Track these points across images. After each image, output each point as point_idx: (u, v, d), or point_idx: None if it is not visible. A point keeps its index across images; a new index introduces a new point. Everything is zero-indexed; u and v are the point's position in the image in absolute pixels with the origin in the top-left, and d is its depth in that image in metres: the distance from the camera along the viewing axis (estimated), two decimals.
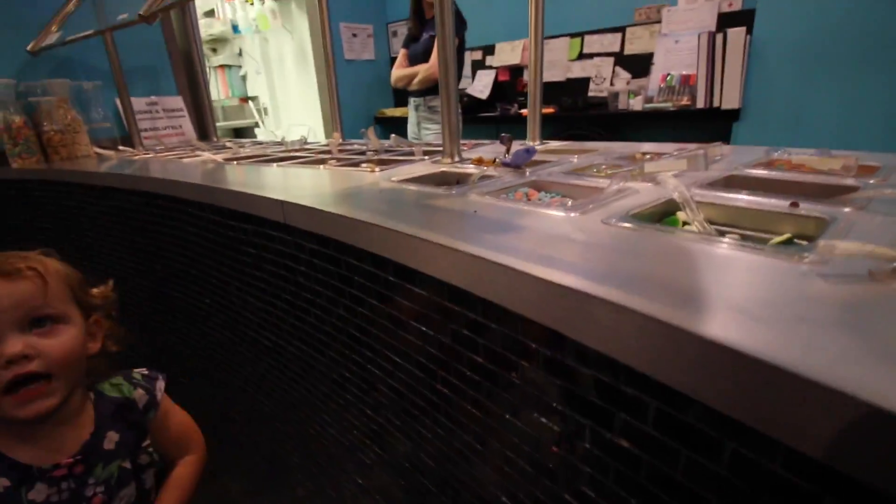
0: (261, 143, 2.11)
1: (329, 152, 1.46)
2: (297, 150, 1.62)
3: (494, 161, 1.05)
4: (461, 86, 3.48)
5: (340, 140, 1.84)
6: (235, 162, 1.38)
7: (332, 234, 0.68)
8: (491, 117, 3.24)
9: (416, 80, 2.40)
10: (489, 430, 0.55)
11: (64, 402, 0.53)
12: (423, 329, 0.58)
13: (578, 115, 2.85)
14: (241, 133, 4.84)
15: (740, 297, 0.35)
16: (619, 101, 2.69)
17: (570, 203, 0.65)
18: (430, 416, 0.63)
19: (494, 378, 0.51)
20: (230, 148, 1.81)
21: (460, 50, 2.39)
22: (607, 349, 0.35)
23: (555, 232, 0.53)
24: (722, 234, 0.60)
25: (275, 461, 1.21)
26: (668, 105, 2.45)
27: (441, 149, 1.12)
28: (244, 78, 4.94)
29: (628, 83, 2.71)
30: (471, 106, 3.34)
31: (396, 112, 3.87)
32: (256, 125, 4.80)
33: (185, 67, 2.54)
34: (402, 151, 1.39)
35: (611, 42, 2.81)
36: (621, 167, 0.89)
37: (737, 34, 2.18)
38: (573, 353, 0.41)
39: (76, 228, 1.61)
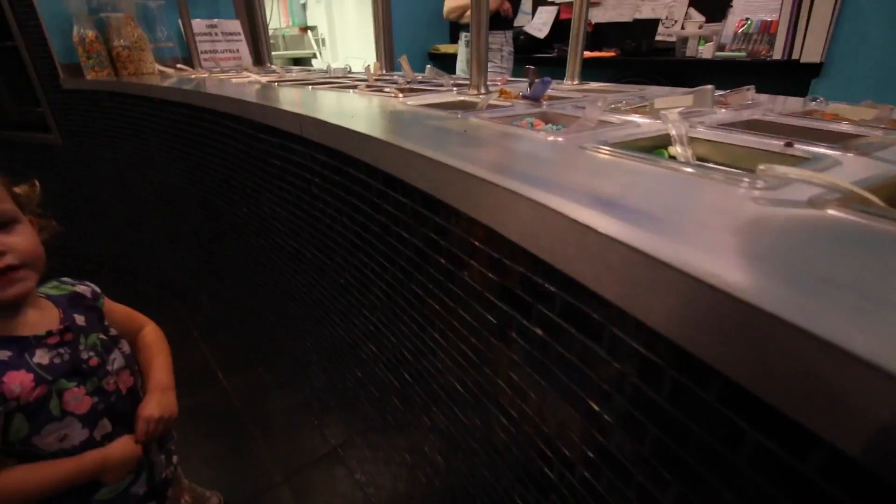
0: (308, 70, 2.15)
1: (366, 80, 1.49)
2: (338, 77, 1.65)
3: (519, 95, 1.04)
4: (519, 23, 3.31)
5: (381, 71, 1.85)
6: (277, 84, 1.45)
7: (337, 145, 0.73)
8: (548, 58, 3.09)
9: (469, 13, 2.34)
10: (448, 325, 0.60)
11: (35, 288, 0.60)
12: (404, 234, 0.63)
13: (642, 59, 2.66)
14: (299, 63, 4.89)
15: (661, 207, 0.37)
16: (687, 46, 2.47)
17: (562, 129, 0.66)
18: (408, 314, 0.70)
19: (453, 277, 0.56)
20: (277, 72, 1.88)
21: None
22: (528, 244, 0.39)
23: (524, 150, 0.55)
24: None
25: (297, 357, 1.36)
26: (743, 54, 2.24)
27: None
28: (304, 6, 4.93)
29: (701, 27, 2.47)
30: (528, 45, 3.19)
31: (451, 49, 3.76)
32: (314, 56, 4.82)
33: None
34: (435, 83, 1.39)
35: None
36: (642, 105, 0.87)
37: None
38: (507, 249, 0.45)
39: (139, 138, 1.76)
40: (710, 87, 0.65)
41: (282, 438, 1.33)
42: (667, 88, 1.28)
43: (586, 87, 1.32)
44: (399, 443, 0.94)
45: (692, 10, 2.54)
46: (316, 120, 0.78)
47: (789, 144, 0.55)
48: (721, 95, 0.94)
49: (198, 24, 2.30)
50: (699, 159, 0.63)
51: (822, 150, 0.54)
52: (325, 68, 2.15)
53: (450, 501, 0.78)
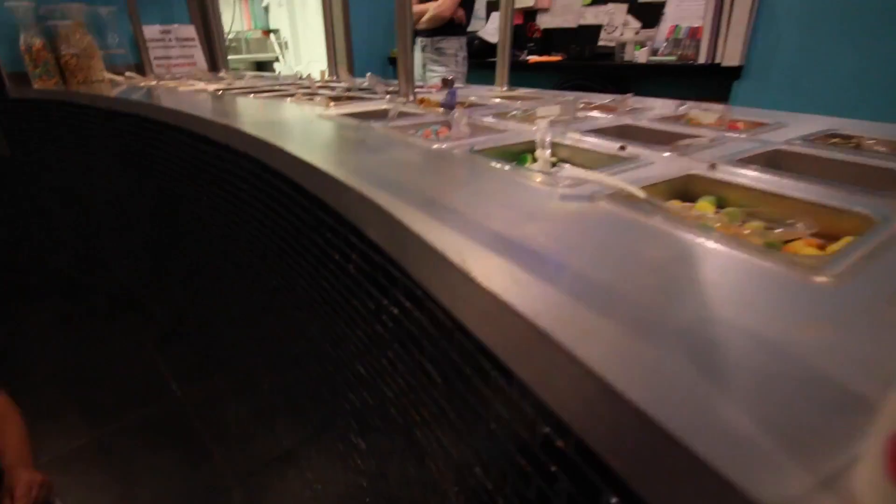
0: (261, 76, 2.21)
1: (309, 87, 1.56)
2: (285, 84, 1.72)
3: (438, 103, 1.14)
4: (473, 28, 3.41)
5: (334, 77, 1.92)
6: (221, 92, 1.51)
7: (256, 153, 0.81)
8: None
9: (424, 18, 2.42)
10: (344, 315, 0.69)
11: None
12: (314, 236, 0.72)
13: (586, 64, 2.80)
14: (263, 67, 4.90)
15: (472, 199, 0.46)
16: (625, 52, 2.63)
17: (446, 136, 0.75)
18: (337, 316, 0.79)
19: (327, 259, 0.65)
20: (226, 80, 1.93)
21: None
22: (354, 219, 0.48)
23: (399, 156, 0.65)
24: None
25: (249, 363, 1.42)
26: (673, 58, 2.39)
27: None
28: (266, 9, 4.94)
29: (637, 33, 2.63)
30: (481, 49, 3.30)
31: None
32: (277, 59, 4.84)
33: None
34: (371, 91, 1.48)
35: None
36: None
37: None
38: (350, 228, 0.54)
39: (87, 147, 1.79)
40: (572, 97, 0.76)
41: (235, 444, 1.37)
42: (589, 94, 1.39)
43: (513, 93, 1.43)
44: (342, 445, 1.01)
45: (630, 17, 2.69)
46: (237, 130, 0.86)
47: (623, 148, 0.66)
48: (610, 101, 1.06)
49: (151, 31, 2.32)
50: (561, 160, 0.74)
51: (647, 152, 0.65)
52: (276, 74, 2.22)
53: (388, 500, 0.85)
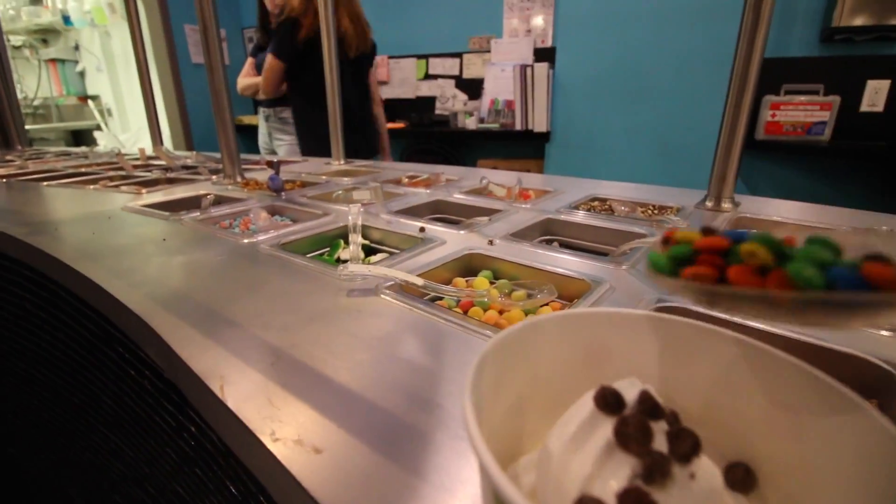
0: (67, 154, 1.96)
1: (121, 168, 1.43)
2: (96, 165, 1.55)
3: (265, 185, 1.13)
4: None
5: (149, 154, 1.79)
6: (5, 180, 1.30)
7: (26, 258, 0.72)
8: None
9: (261, 91, 2.43)
10: (152, 432, 0.63)
11: None
12: (68, 331, 0.65)
13: (427, 130, 3.06)
14: (80, 136, 4.36)
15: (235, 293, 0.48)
16: (458, 120, 2.94)
17: (259, 227, 0.76)
18: (131, 424, 0.70)
19: (125, 375, 0.60)
20: (16, 162, 1.67)
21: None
22: (136, 338, 0.46)
23: (194, 257, 0.63)
24: (373, 251, 0.75)
25: (55, 489, 1.16)
26: (496, 126, 2.75)
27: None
28: (82, 74, 4.45)
29: (465, 104, 2.98)
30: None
31: (255, 120, 3.78)
32: (98, 127, 4.35)
33: None
34: (195, 171, 1.42)
35: (451, 66, 3.06)
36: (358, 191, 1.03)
37: (542, 68, 2.53)
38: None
39: None
40: (378, 185, 0.83)
41: None
42: (414, 165, 1.51)
43: (348, 167, 1.49)
44: None
45: (458, 91, 3.04)
46: (8, 235, 0.75)
47: (422, 230, 0.74)
48: (429, 176, 1.17)
49: None
50: (375, 242, 0.79)
51: (444, 230, 0.73)
52: (87, 151, 1.99)
53: None
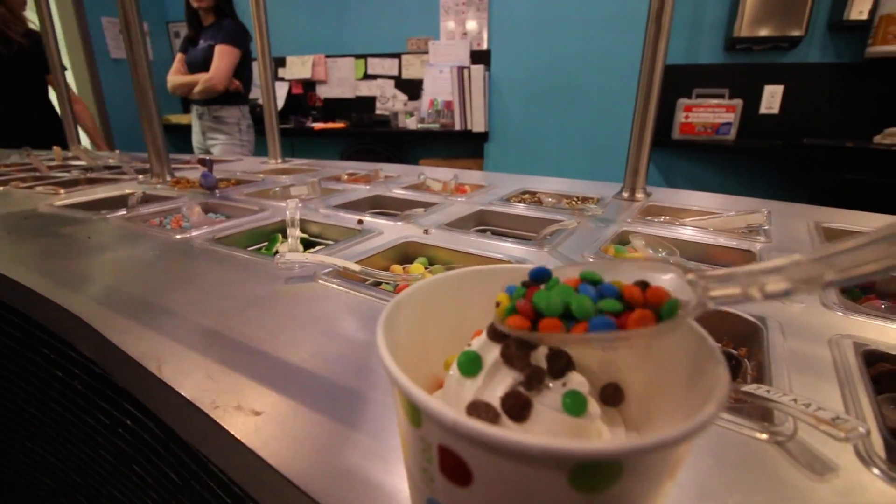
0: None
1: (35, 169, 1.34)
2: (2, 166, 1.43)
3: (198, 183, 1.10)
4: (254, 96, 3.40)
5: (68, 154, 1.67)
6: None
7: None
8: (285, 129, 3.25)
9: (196, 90, 2.31)
10: (82, 435, 0.61)
11: None
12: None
13: (366, 130, 3.05)
14: None
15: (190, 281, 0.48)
16: (398, 120, 2.96)
17: (193, 223, 0.75)
18: (58, 431, 0.67)
19: (52, 378, 0.58)
20: None
21: (245, 61, 2.38)
22: (64, 334, 0.46)
23: (121, 254, 0.62)
24: (312, 245, 0.77)
25: None
26: (436, 126, 2.80)
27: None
28: None
29: (405, 104, 3.01)
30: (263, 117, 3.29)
31: (183, 119, 3.59)
32: None
33: None
34: (119, 170, 1.35)
35: (390, 66, 3.08)
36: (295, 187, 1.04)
37: (478, 70, 2.61)
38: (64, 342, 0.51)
39: None
40: (315, 180, 0.85)
41: None
42: (354, 164, 1.52)
43: (285, 166, 1.47)
44: None
45: (398, 91, 3.06)
46: None
47: (360, 222, 0.76)
48: (369, 172, 1.20)
49: None
50: (314, 236, 0.80)
51: (382, 221, 0.76)
52: None
53: None
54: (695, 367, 0.20)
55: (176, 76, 2.39)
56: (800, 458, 0.29)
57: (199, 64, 2.32)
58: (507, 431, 0.14)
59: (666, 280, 0.22)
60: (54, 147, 1.55)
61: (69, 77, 3.19)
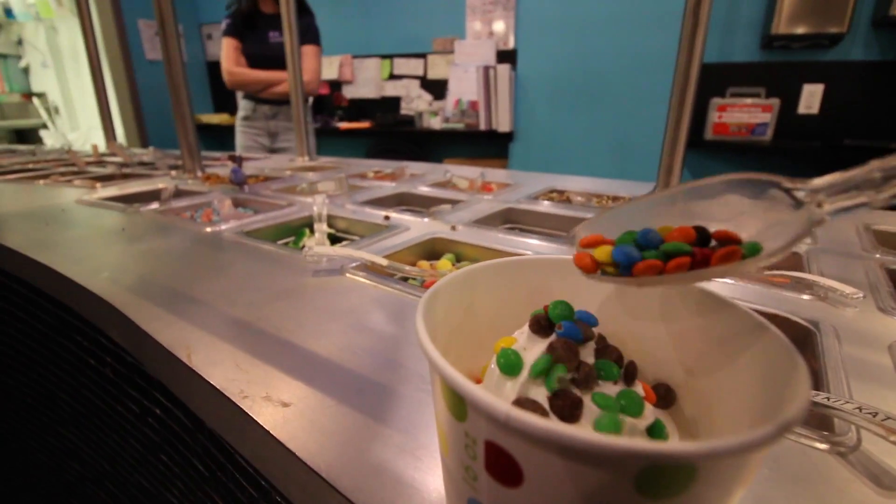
0: (12, 150, 1.86)
1: (73, 164, 1.38)
2: (45, 161, 1.48)
3: (228, 179, 1.12)
4: None
5: (126, 148, 1.72)
6: None
7: None
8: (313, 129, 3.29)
9: (278, 90, 1.99)
10: (112, 423, 0.62)
11: None
12: (17, 324, 0.63)
13: (392, 130, 3.06)
14: (24, 135, 4.13)
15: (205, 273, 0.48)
16: (423, 120, 2.96)
17: (222, 216, 0.76)
18: (89, 418, 0.68)
19: (83, 365, 0.59)
20: None
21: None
22: (97, 321, 0.46)
23: (154, 245, 0.63)
24: (338, 240, 0.77)
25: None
26: (461, 126, 2.79)
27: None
28: (26, 70, 4.21)
29: (430, 104, 3.00)
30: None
31: (214, 119, 3.68)
32: (44, 126, 4.13)
33: None
34: (153, 166, 1.38)
35: (415, 66, 3.09)
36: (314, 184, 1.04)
37: (504, 69, 2.59)
38: (97, 329, 0.52)
39: None
40: (343, 176, 0.84)
41: None
42: (380, 162, 1.52)
43: (313, 164, 1.49)
44: None
45: (423, 91, 3.07)
46: None
47: (387, 218, 0.76)
48: (395, 170, 1.19)
49: None
50: (341, 231, 0.80)
51: (409, 217, 0.75)
52: (34, 148, 1.89)
53: None
54: (768, 368, 0.18)
55: (246, 70, 1.99)
56: (865, 471, 0.27)
57: (269, 60, 1.98)
58: (572, 428, 0.12)
59: (760, 207, 0.20)
60: (92, 144, 1.60)
61: (106, 77, 3.31)
